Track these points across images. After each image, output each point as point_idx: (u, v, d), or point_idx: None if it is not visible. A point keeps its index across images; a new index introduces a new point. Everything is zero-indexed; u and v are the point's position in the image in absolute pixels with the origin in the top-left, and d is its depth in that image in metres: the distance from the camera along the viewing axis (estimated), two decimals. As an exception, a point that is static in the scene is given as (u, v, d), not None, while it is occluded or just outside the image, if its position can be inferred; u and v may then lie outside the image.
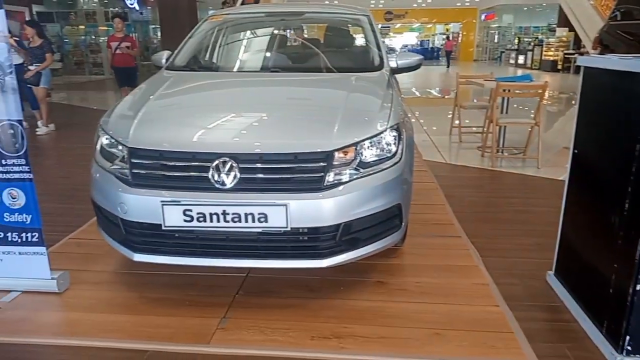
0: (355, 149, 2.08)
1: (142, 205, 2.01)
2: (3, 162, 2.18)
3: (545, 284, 2.45)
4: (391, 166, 2.14)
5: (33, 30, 6.41)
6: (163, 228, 2.00)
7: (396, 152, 2.18)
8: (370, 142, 2.12)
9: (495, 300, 2.27)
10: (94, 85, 14.46)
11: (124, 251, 2.16)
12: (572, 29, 16.75)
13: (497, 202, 3.83)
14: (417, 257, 2.71)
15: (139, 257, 2.12)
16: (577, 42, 18.64)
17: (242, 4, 11.46)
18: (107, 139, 2.22)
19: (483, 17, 30.44)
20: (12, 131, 2.14)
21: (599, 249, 2.02)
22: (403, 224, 2.30)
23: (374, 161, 2.12)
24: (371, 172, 2.09)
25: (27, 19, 6.65)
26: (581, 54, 18.18)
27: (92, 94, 11.58)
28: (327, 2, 23.64)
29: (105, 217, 2.23)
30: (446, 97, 12.10)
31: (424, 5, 29.63)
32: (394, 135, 2.19)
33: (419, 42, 40.02)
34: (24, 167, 2.18)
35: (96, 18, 16.81)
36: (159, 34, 19.18)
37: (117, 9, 17.42)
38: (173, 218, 1.98)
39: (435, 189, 3.99)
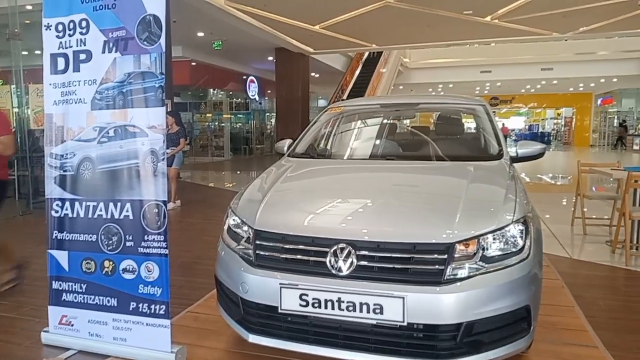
0: (478, 242, 1.98)
1: (262, 286, 2.08)
2: (145, 237, 2.42)
3: None
4: (518, 262, 2.00)
5: (172, 119, 7.38)
6: (279, 311, 2.03)
7: (523, 247, 2.04)
8: (495, 236, 2.01)
9: None
10: (215, 165, 15.97)
11: (240, 331, 2.22)
12: None
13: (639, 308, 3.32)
14: (547, 368, 2.39)
15: (253, 339, 2.15)
16: None
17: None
18: (234, 220, 2.38)
19: (599, 102, 28.78)
20: (156, 210, 2.40)
21: None
22: (532, 328, 2.07)
23: (498, 256, 1.99)
24: (496, 269, 1.96)
25: (169, 109, 7.74)
26: None
27: (212, 174, 12.78)
28: (430, 90, 24.14)
29: (225, 295, 2.33)
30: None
31: (532, 90, 28.97)
32: (520, 229, 2.06)
33: (527, 127, 38.77)
34: (162, 242, 2.40)
35: (222, 107, 19.01)
36: (272, 120, 21.06)
37: (239, 99, 19.58)
38: (290, 301, 2.01)
39: (561, 287, 3.59)
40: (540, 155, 2.96)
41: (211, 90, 19.20)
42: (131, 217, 2.45)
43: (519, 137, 33.53)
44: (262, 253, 2.15)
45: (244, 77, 18.48)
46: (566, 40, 16.90)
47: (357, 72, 19.00)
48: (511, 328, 2.00)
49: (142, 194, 2.43)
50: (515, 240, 2.04)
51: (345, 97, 16.82)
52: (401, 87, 24.17)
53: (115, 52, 2.48)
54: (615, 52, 19.69)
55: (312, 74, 17.54)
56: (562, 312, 3.10)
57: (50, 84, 2.64)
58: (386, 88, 19.09)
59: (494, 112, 3.50)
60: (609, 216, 5.68)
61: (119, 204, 2.48)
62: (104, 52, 2.51)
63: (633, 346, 2.69)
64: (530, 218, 2.16)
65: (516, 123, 39.51)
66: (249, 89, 18.68)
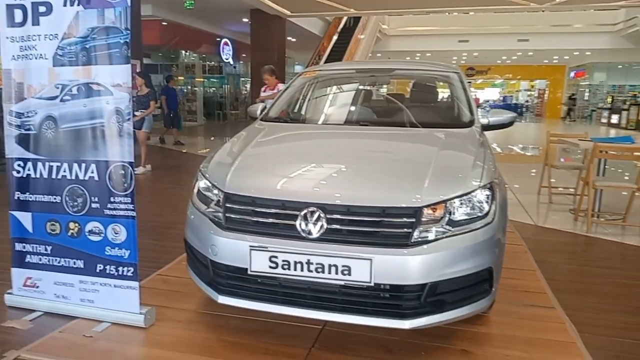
0: (445, 207, 2.02)
1: (232, 248, 2.08)
2: (111, 199, 2.38)
3: (660, 373, 2.15)
4: (483, 227, 2.05)
5: (142, 81, 7.14)
6: (249, 272, 2.04)
7: (488, 212, 2.09)
8: (462, 200, 2.05)
9: (598, 386, 2.01)
10: (188, 130, 15.61)
11: (210, 292, 2.23)
12: (676, 88, 15.54)
13: (595, 272, 3.49)
14: (506, 327, 2.50)
15: (223, 300, 2.16)
16: (682, 102, 17.20)
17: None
18: (204, 183, 2.35)
19: (572, 74, 29.27)
20: (122, 172, 2.35)
21: None
22: (493, 289, 2.15)
23: (464, 220, 2.04)
24: (461, 232, 2.01)
25: (138, 70, 7.46)
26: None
27: (184, 139, 12.52)
28: (408, 59, 23.96)
29: (195, 257, 2.32)
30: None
31: (508, 62, 29.16)
32: (486, 194, 2.11)
33: (501, 98, 39.19)
34: (129, 205, 2.36)
35: (195, 70, 18.42)
36: (247, 85, 20.62)
37: (213, 62, 19.01)
38: (259, 263, 2.02)
39: (524, 252, 3.73)
40: (510, 123, 3.01)
41: (183, 52, 18.55)
42: (96, 179, 2.39)
43: (492, 108, 33.89)
44: (232, 216, 2.14)
45: (218, 39, 17.88)
46: (543, 11, 16.93)
47: (335, 38, 18.65)
48: (474, 289, 2.07)
49: (108, 155, 2.36)
50: (481, 205, 2.08)
51: (322, 63, 16.54)
52: (379, 54, 23.94)
53: (78, 5, 2.36)
54: (589, 25, 19.88)
55: (289, 38, 17.12)
56: (524, 276, 3.23)
57: (7, 37, 2.49)
58: (364, 55, 18.84)
59: (469, 82, 3.50)
60: (574, 186, 5.88)
61: (83, 165, 2.41)
62: (65, 5, 2.38)
63: (587, 306, 2.85)
64: (496, 184, 2.20)
65: (491, 94, 39.87)
66: (223, 51, 18.12)
